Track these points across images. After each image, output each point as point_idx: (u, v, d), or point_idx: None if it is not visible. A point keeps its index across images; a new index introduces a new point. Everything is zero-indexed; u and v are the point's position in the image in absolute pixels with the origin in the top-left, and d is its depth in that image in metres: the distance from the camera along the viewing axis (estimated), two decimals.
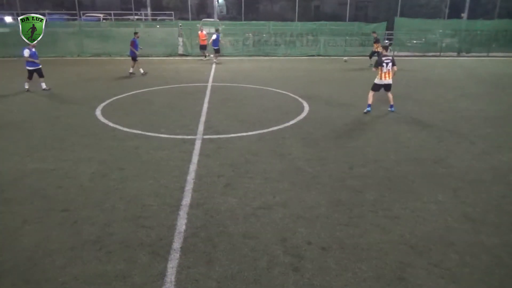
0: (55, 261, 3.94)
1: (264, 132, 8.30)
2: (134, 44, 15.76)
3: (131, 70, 15.76)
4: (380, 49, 16.32)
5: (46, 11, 27.60)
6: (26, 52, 12.07)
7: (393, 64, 9.63)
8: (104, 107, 10.38)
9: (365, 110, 9.92)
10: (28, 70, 12.26)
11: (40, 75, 12.46)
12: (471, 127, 8.92)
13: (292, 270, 3.85)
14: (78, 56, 22.58)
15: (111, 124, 8.74)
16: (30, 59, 12.09)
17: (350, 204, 5.21)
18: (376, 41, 18.56)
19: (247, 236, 4.43)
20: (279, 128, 8.59)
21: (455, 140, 8.00)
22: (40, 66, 12.43)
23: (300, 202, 5.26)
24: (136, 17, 29.23)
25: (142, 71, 16.04)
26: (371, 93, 9.92)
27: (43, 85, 12.51)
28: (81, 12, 27.14)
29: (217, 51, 20.22)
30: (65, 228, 4.55)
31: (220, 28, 21.44)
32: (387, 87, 9.88)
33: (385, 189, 5.68)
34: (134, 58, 15.79)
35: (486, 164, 6.71)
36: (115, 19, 28.67)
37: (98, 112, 9.78)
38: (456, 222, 4.81)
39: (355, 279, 3.74)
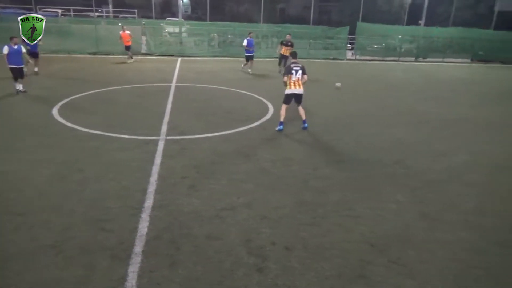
0: (10, 267, 3.74)
1: (229, 133, 8.28)
2: (24, 41, 14.34)
3: (36, 69, 14.81)
4: (287, 54, 14.88)
5: None
6: (5, 49, 11.25)
7: (303, 73, 8.46)
8: (62, 106, 9.97)
9: (277, 128, 8.55)
10: (11, 69, 11.18)
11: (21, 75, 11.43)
12: (430, 129, 9.32)
13: (256, 270, 3.86)
14: None
15: (69, 124, 8.40)
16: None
17: (314, 205, 5.29)
18: (291, 45, 16.36)
19: (211, 237, 4.40)
20: (244, 129, 8.60)
21: (415, 141, 8.32)
22: (23, 66, 11.51)
23: (265, 202, 5.29)
24: (97, 14, 28.29)
25: (36, 69, 14.98)
26: (283, 108, 8.59)
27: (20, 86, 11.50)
28: (37, 6, 25.90)
29: (248, 58, 17.06)
30: (21, 233, 4.33)
31: (252, 32, 17.84)
32: (298, 97, 8.62)
33: (347, 190, 5.82)
34: (32, 56, 14.50)
35: (442, 165, 7.03)
36: (75, 15, 27.62)
37: (55, 112, 9.38)
38: (414, 220, 5.00)
39: (318, 278, 3.80)
